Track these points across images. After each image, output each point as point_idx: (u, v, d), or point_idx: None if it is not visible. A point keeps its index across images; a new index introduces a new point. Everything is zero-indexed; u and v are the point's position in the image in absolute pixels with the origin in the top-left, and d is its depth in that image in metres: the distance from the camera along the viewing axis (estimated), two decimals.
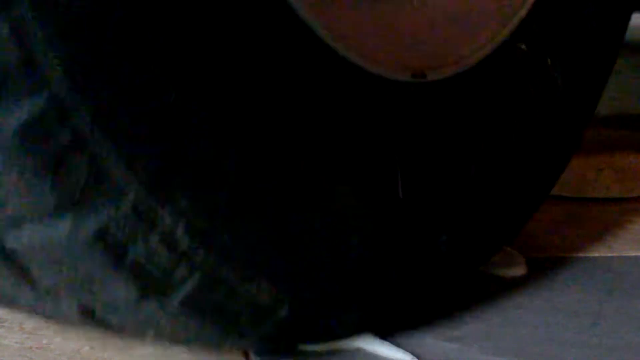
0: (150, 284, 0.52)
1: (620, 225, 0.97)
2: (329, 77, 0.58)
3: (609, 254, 0.87)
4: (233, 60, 0.52)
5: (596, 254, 0.87)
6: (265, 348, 0.62)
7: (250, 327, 0.57)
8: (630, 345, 0.67)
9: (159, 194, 0.49)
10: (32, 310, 0.57)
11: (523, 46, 0.69)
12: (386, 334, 0.67)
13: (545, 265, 0.85)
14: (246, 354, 0.64)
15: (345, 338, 0.65)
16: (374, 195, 0.60)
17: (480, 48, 0.66)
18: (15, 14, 0.44)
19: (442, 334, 0.68)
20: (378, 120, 0.60)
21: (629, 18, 0.82)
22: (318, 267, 0.58)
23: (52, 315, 0.58)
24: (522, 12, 0.69)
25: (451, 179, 0.65)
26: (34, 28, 0.45)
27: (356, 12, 0.59)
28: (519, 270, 0.82)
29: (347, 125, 0.58)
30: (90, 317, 0.55)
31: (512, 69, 0.68)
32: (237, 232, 0.53)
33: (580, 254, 0.87)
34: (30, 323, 0.69)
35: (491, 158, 0.68)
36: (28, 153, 0.46)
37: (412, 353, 0.64)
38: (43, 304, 0.54)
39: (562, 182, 1.06)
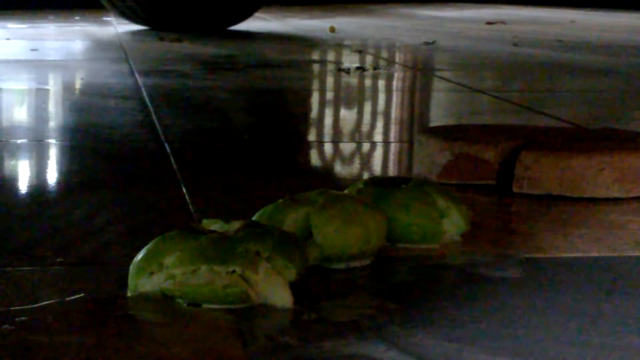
0: None
1: (620, 225, 0.97)
2: None
3: (609, 254, 0.87)
4: None
5: (596, 254, 0.87)
6: None
7: None
8: (630, 345, 0.67)
9: None
10: None
11: None
12: (385, 334, 0.67)
13: (545, 265, 0.85)
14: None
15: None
16: None
17: None
18: None
19: (442, 334, 0.68)
20: None
21: None
22: None
23: None
24: None
25: None
26: None
27: None
28: (516, 271, 0.82)
29: None
30: None
31: None
32: None
33: (580, 254, 0.88)
34: (30, 321, 0.69)
35: None
36: None
37: (412, 353, 0.64)
38: None
39: (562, 182, 1.06)
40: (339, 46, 3.03)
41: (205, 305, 0.72)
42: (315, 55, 2.79)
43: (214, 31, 3.38)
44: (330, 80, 2.25)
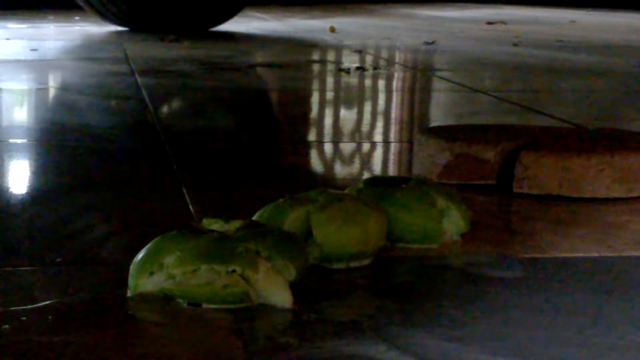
0: None
1: (620, 225, 0.97)
2: None
3: (609, 254, 0.87)
4: None
5: (596, 254, 0.87)
6: None
7: None
8: (630, 345, 0.67)
9: None
10: None
11: None
12: (385, 334, 0.67)
13: (545, 265, 0.85)
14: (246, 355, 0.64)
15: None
16: None
17: None
18: None
19: (442, 334, 0.68)
20: None
21: None
22: None
23: None
24: None
25: None
26: None
27: None
28: (516, 271, 0.82)
29: None
30: None
31: None
32: None
33: (580, 254, 0.88)
34: (30, 321, 0.69)
35: None
36: None
37: (412, 353, 0.64)
38: None
39: (562, 182, 1.06)
40: (339, 46, 3.03)
41: (205, 305, 0.72)
42: (315, 55, 2.79)
43: (195, 32, 3.33)
44: (330, 80, 2.25)
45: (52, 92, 1.96)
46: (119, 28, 3.49)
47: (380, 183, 0.91)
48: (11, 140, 1.41)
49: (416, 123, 1.69)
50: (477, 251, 0.87)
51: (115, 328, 0.68)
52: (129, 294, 0.74)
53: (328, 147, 1.42)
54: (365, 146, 1.44)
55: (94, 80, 2.09)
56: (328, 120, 1.70)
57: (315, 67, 2.49)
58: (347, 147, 1.42)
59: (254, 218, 0.84)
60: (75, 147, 1.38)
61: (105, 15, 3.41)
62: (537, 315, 0.72)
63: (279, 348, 0.65)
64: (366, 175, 1.19)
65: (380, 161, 1.33)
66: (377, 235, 0.83)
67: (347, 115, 1.76)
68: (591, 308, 0.74)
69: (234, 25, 3.61)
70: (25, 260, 0.83)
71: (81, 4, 3.44)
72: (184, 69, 2.29)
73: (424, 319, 0.71)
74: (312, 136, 1.56)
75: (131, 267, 0.74)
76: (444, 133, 1.16)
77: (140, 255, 0.74)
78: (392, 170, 1.27)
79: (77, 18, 3.97)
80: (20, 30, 3.46)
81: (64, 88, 2.04)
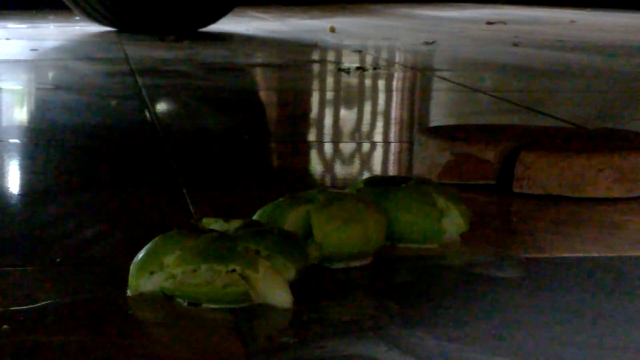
0: None
1: (620, 225, 0.97)
2: None
3: (609, 254, 0.87)
4: None
5: (596, 254, 0.87)
6: None
7: None
8: (630, 345, 0.67)
9: None
10: None
11: None
12: (385, 334, 0.67)
13: (545, 265, 0.85)
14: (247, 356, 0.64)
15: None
16: None
17: None
18: None
19: (442, 334, 0.68)
20: None
21: None
22: None
23: None
24: None
25: None
26: None
27: None
28: (516, 271, 0.82)
29: None
30: None
31: None
32: None
33: (580, 254, 0.88)
34: (30, 321, 0.69)
35: None
36: None
37: (412, 353, 0.64)
38: None
39: (562, 182, 1.06)
40: (339, 46, 3.03)
41: (205, 305, 0.72)
42: (315, 55, 2.79)
43: (186, 32, 3.29)
44: (330, 80, 2.25)
45: (51, 92, 1.96)
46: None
47: (380, 183, 0.91)
48: (11, 140, 1.41)
49: (416, 123, 1.69)
50: (477, 251, 0.87)
51: (115, 328, 0.68)
52: (129, 293, 0.74)
53: (328, 147, 1.42)
54: (365, 146, 1.44)
55: (94, 80, 2.09)
56: (328, 120, 1.70)
57: (315, 67, 2.49)
58: (347, 147, 1.42)
59: (254, 218, 0.84)
60: (74, 147, 1.38)
61: (92, 15, 3.38)
62: (537, 315, 0.72)
63: (279, 348, 0.65)
64: (366, 175, 1.19)
65: (380, 161, 1.33)
66: (377, 235, 0.83)
67: (347, 115, 1.76)
68: (591, 308, 0.74)
69: (234, 25, 3.61)
70: (24, 260, 0.83)
71: (68, 3, 3.42)
72: (184, 69, 2.29)
73: (424, 319, 0.71)
74: (312, 136, 1.56)
75: (131, 266, 0.74)
76: (444, 133, 1.16)
77: (140, 255, 0.74)
78: (392, 170, 1.27)
79: (77, 18, 3.97)
80: (20, 30, 3.46)
81: (63, 88, 2.04)
